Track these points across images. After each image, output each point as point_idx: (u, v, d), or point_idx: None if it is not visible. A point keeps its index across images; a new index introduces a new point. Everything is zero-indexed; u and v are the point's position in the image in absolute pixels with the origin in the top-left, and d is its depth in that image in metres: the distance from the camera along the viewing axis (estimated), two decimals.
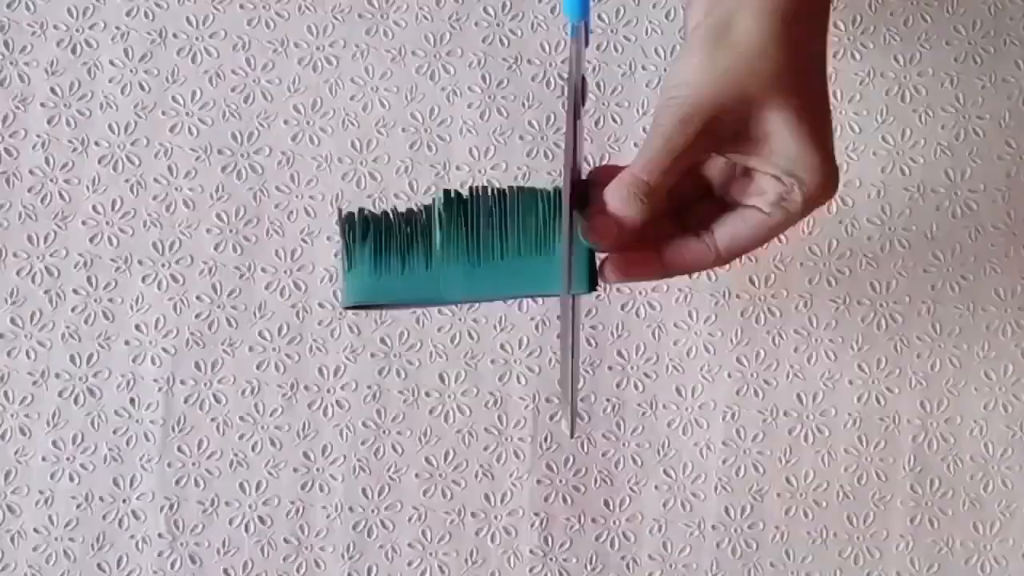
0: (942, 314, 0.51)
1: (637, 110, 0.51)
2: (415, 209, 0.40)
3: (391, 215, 0.41)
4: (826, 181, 0.38)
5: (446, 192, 0.40)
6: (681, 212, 0.41)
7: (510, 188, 0.40)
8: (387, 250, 0.40)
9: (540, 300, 0.50)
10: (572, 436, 0.40)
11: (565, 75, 0.51)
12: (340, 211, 0.41)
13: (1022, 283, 0.51)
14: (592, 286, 0.39)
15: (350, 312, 0.50)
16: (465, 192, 0.40)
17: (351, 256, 0.41)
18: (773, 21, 0.37)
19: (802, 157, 0.38)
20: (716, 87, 0.37)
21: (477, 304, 0.50)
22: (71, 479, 0.49)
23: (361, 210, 0.41)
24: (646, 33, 0.52)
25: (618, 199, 0.39)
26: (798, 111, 0.38)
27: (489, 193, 0.40)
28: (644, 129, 0.51)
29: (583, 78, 0.42)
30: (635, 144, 0.51)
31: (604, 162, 0.51)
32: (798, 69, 0.38)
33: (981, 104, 0.52)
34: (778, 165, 0.38)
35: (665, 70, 0.51)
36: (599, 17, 0.52)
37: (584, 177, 0.41)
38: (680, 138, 0.37)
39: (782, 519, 0.50)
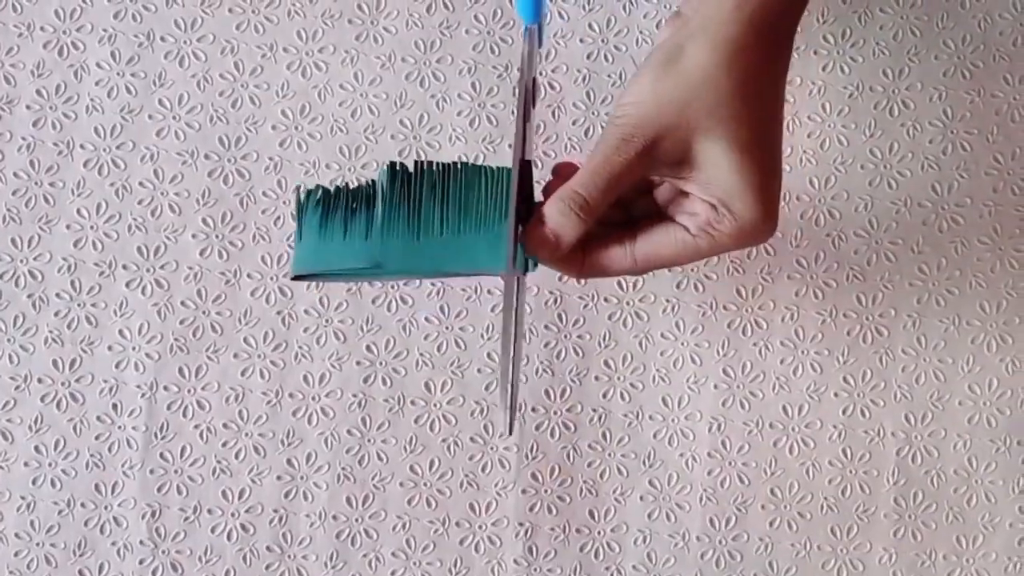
0: (927, 328, 0.51)
1: None
2: (366, 182, 0.41)
3: (340, 189, 0.41)
4: (759, 221, 0.39)
5: (391, 164, 0.40)
6: (622, 214, 0.43)
7: (454, 164, 0.41)
8: (331, 220, 0.40)
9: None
10: (510, 432, 0.41)
11: (556, 86, 0.51)
12: (297, 188, 0.42)
13: (1007, 298, 0.52)
14: (528, 266, 0.40)
15: (336, 320, 0.49)
16: (411, 166, 0.40)
17: (300, 228, 0.41)
18: (725, 50, 0.38)
19: (738, 191, 0.39)
20: (659, 110, 0.38)
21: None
22: (53, 485, 0.48)
23: (317, 186, 0.41)
24: (636, 43, 0.52)
25: (556, 213, 0.40)
26: (739, 143, 0.38)
27: (434, 168, 0.40)
28: None
29: (534, 80, 0.42)
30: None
31: None
32: (745, 100, 0.38)
33: (969, 119, 0.52)
34: (712, 193, 0.39)
35: None
36: (589, 26, 0.51)
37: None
38: (620, 157, 0.39)
39: (766, 531, 0.50)
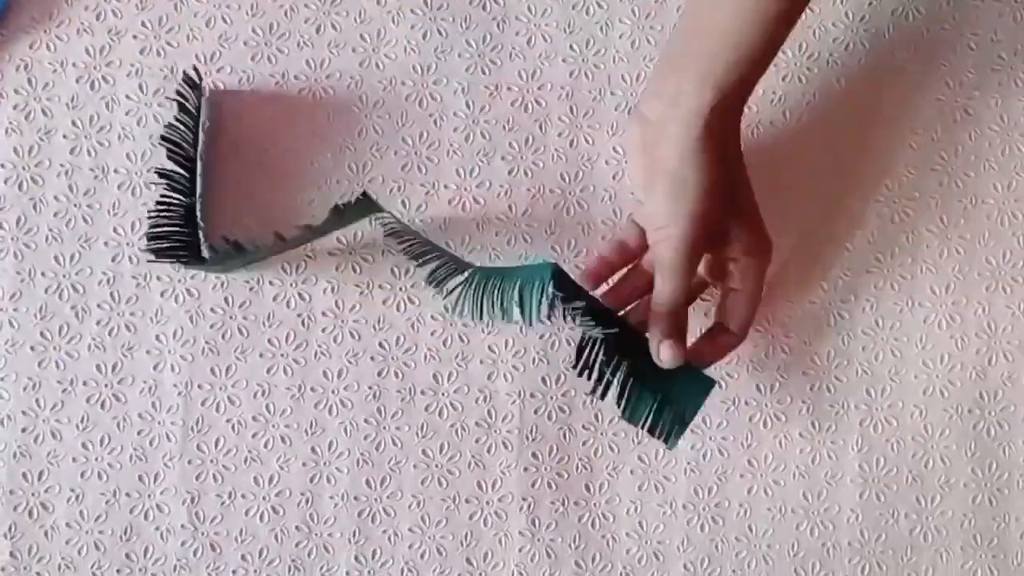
0: (884, 310, 0.57)
1: (607, 131, 0.57)
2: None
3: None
4: (770, 247, 0.51)
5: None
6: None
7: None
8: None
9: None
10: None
11: (542, 102, 0.56)
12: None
13: (955, 280, 0.57)
14: None
15: (351, 320, 0.55)
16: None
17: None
18: (714, 154, 0.47)
19: (765, 237, 0.51)
20: (695, 227, 0.48)
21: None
22: (99, 477, 0.53)
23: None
24: (613, 61, 0.57)
25: (666, 343, 0.49)
26: (751, 205, 0.50)
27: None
28: (614, 148, 0.56)
29: None
30: (606, 162, 0.56)
31: (577, 179, 0.56)
32: (739, 173, 0.50)
33: (915, 120, 0.57)
34: (752, 251, 0.50)
35: (633, 95, 0.57)
36: (570, 47, 0.57)
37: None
38: (683, 272, 0.48)
39: (744, 497, 0.56)
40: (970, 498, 0.56)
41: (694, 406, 0.51)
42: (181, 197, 0.52)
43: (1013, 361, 0.57)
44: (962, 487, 0.56)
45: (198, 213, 0.53)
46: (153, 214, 0.52)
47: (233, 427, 0.54)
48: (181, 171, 0.53)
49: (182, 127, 0.53)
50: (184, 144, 0.53)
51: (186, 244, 0.52)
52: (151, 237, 0.52)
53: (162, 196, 0.52)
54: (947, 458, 0.57)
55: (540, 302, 0.46)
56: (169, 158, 0.52)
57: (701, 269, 0.51)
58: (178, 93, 0.53)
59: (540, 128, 0.56)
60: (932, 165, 0.57)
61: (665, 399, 0.50)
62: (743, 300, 0.51)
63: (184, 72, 0.53)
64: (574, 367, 0.49)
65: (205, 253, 0.53)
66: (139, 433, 0.53)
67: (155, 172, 0.53)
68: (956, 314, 0.57)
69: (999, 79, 0.58)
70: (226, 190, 0.55)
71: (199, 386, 0.54)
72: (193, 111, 0.53)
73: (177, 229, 0.52)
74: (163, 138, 0.52)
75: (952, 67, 0.58)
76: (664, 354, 0.49)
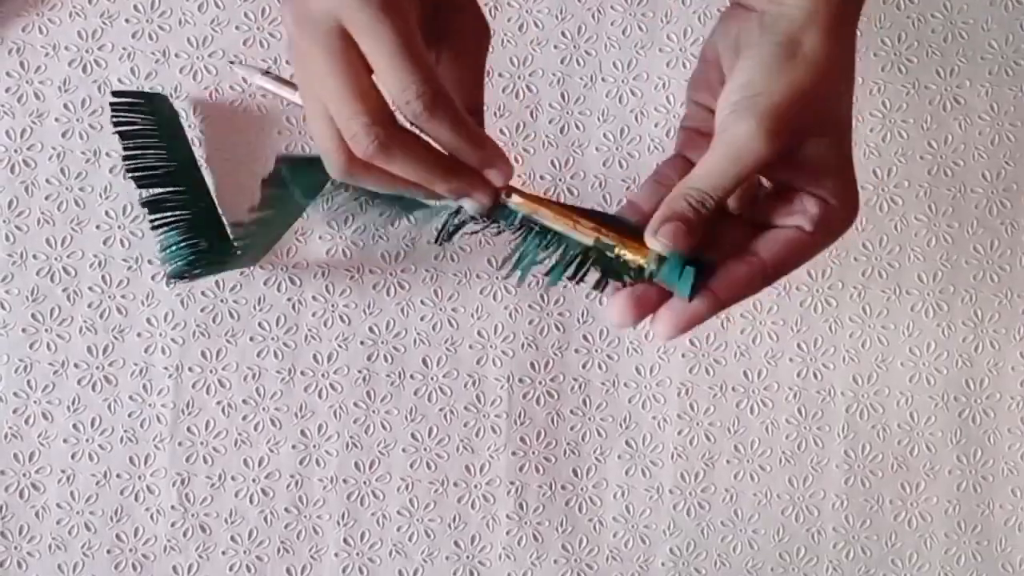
0: (871, 298, 0.57)
1: (598, 118, 0.57)
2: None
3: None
4: (856, 202, 0.39)
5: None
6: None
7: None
8: None
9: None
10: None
11: (533, 88, 0.57)
12: None
13: (942, 269, 0.57)
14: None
15: (341, 305, 0.55)
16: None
17: None
18: (839, 37, 0.37)
19: (844, 179, 0.38)
20: (791, 103, 0.36)
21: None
22: (90, 458, 0.54)
23: None
24: (605, 48, 0.57)
25: (683, 206, 0.37)
26: (844, 134, 0.38)
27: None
28: (605, 135, 0.57)
29: None
30: (596, 148, 0.57)
31: (567, 165, 0.56)
32: (845, 89, 0.38)
33: (905, 109, 0.58)
34: (826, 187, 0.38)
35: (624, 81, 0.57)
36: (562, 34, 0.57)
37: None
38: (756, 150, 0.36)
39: (731, 482, 0.56)
40: (955, 485, 0.57)
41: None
42: (178, 214, 0.53)
43: (999, 349, 0.57)
44: (947, 474, 0.57)
45: (219, 208, 0.54)
46: (164, 242, 0.53)
47: (223, 410, 0.54)
48: (163, 191, 0.53)
49: (140, 151, 0.53)
50: (156, 166, 0.53)
51: (205, 252, 0.52)
52: (177, 264, 0.52)
53: (155, 223, 0.53)
54: (932, 445, 0.57)
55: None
56: (141, 186, 0.53)
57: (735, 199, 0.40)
58: (122, 115, 0.53)
59: (531, 114, 0.57)
60: (921, 153, 0.58)
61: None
62: (796, 241, 0.38)
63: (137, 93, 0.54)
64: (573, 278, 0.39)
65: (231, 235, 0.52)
66: (130, 415, 0.54)
67: (141, 205, 0.53)
68: (943, 302, 0.57)
69: (989, 68, 0.58)
70: (224, 189, 0.55)
71: (190, 369, 0.54)
72: (168, 125, 0.54)
73: (189, 243, 0.52)
74: (127, 170, 0.53)
75: (943, 56, 0.58)
76: (665, 232, 0.37)
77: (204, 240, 0.53)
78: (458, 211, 0.40)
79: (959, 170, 0.58)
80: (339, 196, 0.44)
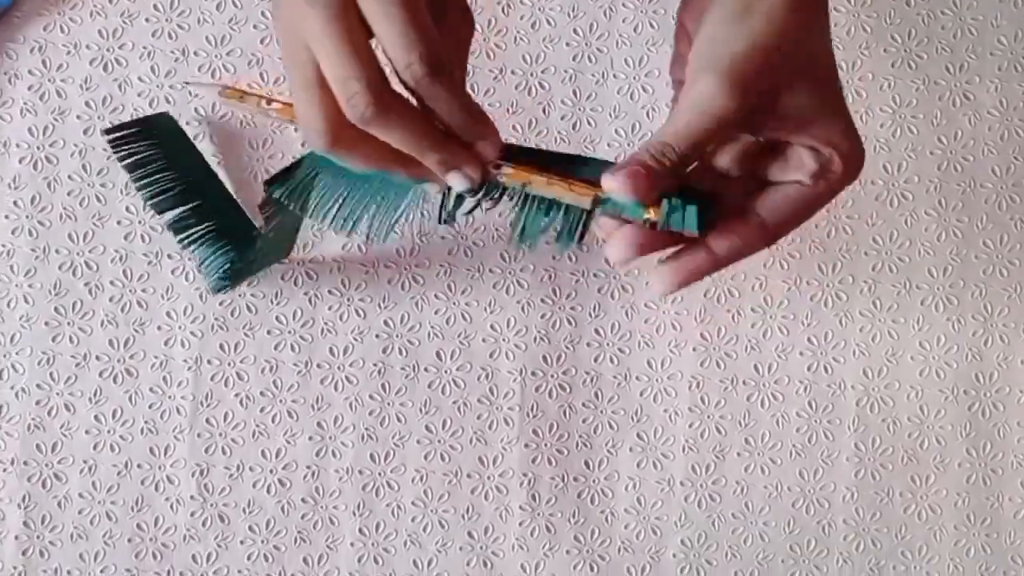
0: (881, 292, 0.58)
1: (610, 114, 0.57)
2: None
3: None
4: (859, 151, 0.38)
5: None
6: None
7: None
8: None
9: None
10: None
11: (545, 85, 0.57)
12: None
13: (952, 263, 0.58)
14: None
15: (356, 299, 0.56)
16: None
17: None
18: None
19: (835, 125, 0.38)
20: (752, 60, 0.36)
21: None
22: (112, 449, 0.55)
23: None
24: (616, 45, 0.58)
25: (648, 157, 0.37)
26: (821, 80, 0.38)
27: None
28: (616, 131, 0.57)
29: None
30: (608, 144, 0.57)
31: None
32: (811, 36, 0.38)
33: (915, 105, 0.58)
34: (816, 136, 0.37)
35: (635, 78, 0.57)
36: (574, 31, 0.58)
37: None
38: (720, 106, 0.36)
39: (742, 475, 0.57)
40: (964, 478, 0.57)
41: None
42: (203, 227, 0.53)
43: (1009, 343, 0.57)
44: (956, 467, 0.57)
45: (240, 204, 0.55)
46: (199, 258, 0.54)
47: (241, 401, 0.55)
48: (183, 210, 0.53)
49: (149, 177, 0.53)
50: (169, 188, 0.53)
51: (238, 258, 0.53)
52: (214, 277, 0.53)
53: (184, 240, 0.53)
54: (942, 438, 0.57)
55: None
56: (159, 211, 0.53)
57: (729, 159, 0.40)
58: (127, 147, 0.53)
59: (543, 111, 0.57)
60: (931, 149, 0.58)
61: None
62: (798, 196, 0.38)
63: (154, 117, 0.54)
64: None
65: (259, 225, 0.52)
66: (150, 407, 0.55)
67: (170, 231, 0.53)
68: (953, 296, 0.58)
69: (999, 64, 0.58)
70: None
71: (208, 361, 0.55)
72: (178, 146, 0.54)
73: (223, 252, 0.53)
74: (143, 199, 0.53)
75: (952, 52, 0.58)
76: (620, 175, 0.37)
77: (234, 245, 0.53)
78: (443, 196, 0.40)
79: (969, 165, 0.58)
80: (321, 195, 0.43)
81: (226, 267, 0.53)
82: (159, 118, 0.55)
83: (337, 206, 0.42)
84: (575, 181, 0.39)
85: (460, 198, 0.40)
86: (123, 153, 0.53)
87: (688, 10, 0.41)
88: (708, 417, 0.57)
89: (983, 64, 0.58)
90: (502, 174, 0.39)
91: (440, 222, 0.41)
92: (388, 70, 0.36)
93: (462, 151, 0.38)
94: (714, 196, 0.39)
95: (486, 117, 0.38)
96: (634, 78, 0.57)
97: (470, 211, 0.40)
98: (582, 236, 0.39)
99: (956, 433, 0.57)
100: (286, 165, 0.44)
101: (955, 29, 0.58)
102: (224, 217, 0.54)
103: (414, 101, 0.37)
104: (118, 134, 0.53)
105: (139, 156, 0.53)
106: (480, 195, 0.39)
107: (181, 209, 0.53)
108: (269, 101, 0.43)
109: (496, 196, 0.39)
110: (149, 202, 0.53)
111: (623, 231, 0.39)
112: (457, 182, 0.38)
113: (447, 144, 0.38)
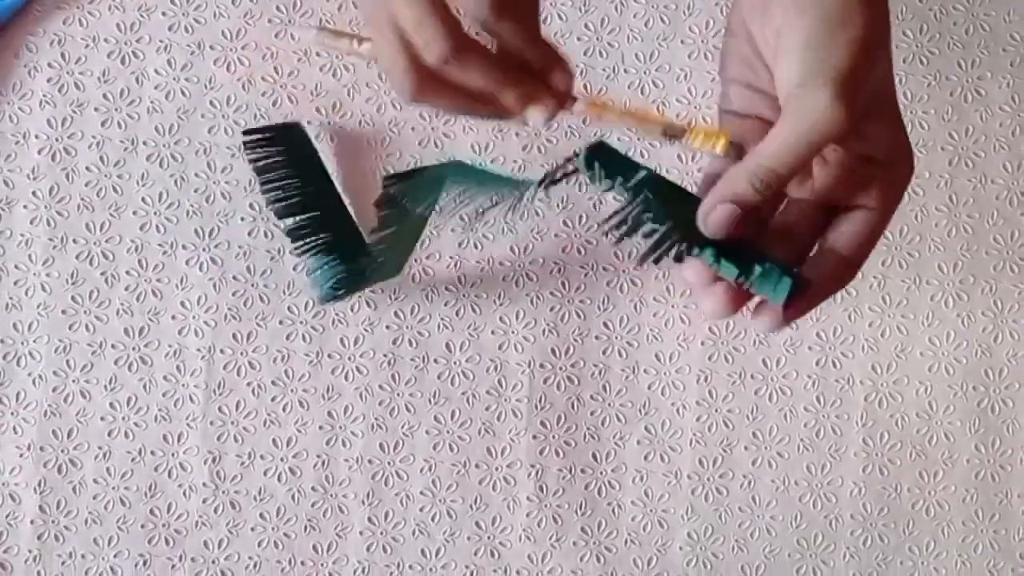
0: (891, 287, 0.58)
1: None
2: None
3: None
4: (910, 155, 0.39)
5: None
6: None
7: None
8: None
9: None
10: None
11: None
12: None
13: (962, 259, 0.58)
14: None
15: (367, 290, 0.56)
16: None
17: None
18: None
19: (893, 136, 0.38)
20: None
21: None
22: (126, 436, 0.56)
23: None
24: (627, 40, 0.58)
25: (744, 183, 0.35)
26: (889, 102, 0.38)
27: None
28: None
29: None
30: (618, 139, 0.57)
31: None
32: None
33: (926, 100, 0.58)
34: (880, 144, 0.37)
35: (646, 73, 0.58)
36: (585, 26, 0.58)
37: None
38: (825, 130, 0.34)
39: (749, 469, 0.57)
40: (973, 474, 0.57)
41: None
42: (318, 237, 0.54)
43: (1019, 339, 0.57)
44: (965, 463, 0.57)
45: (357, 223, 0.55)
46: (309, 267, 0.54)
47: (253, 391, 0.56)
48: (302, 218, 0.54)
49: (275, 183, 0.54)
50: (291, 196, 0.54)
51: (347, 272, 0.53)
52: (322, 288, 0.54)
53: (300, 248, 0.54)
54: (951, 434, 0.57)
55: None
56: (281, 216, 0.54)
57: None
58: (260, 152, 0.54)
59: None
60: (942, 144, 0.58)
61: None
62: (867, 220, 0.38)
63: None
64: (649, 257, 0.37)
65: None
66: (164, 395, 0.56)
67: (285, 235, 0.54)
68: (963, 292, 0.57)
69: (1011, 59, 0.58)
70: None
71: (221, 351, 0.56)
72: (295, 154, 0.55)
73: (332, 264, 0.53)
74: (267, 203, 0.54)
75: (964, 48, 0.58)
76: (718, 218, 0.35)
77: (344, 260, 0.53)
78: (555, 175, 0.40)
79: (980, 161, 0.58)
80: (447, 198, 0.44)
81: (337, 279, 0.53)
82: (291, 129, 0.55)
83: (444, 201, 0.43)
84: (647, 114, 0.39)
85: (566, 165, 0.40)
86: (255, 156, 0.54)
87: (746, 5, 0.39)
88: (716, 411, 0.57)
89: (995, 60, 0.58)
90: (576, 108, 0.40)
91: (540, 185, 0.40)
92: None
93: (537, 85, 0.39)
94: (807, 279, 0.38)
95: (554, 49, 0.39)
96: (644, 72, 0.58)
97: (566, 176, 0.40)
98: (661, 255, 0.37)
99: (965, 429, 0.57)
100: (406, 170, 0.46)
101: (967, 25, 0.58)
102: (338, 230, 0.54)
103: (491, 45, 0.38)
104: (253, 137, 0.54)
105: (269, 161, 0.54)
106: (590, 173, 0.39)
107: (300, 218, 0.54)
108: (360, 40, 0.44)
109: (598, 179, 0.39)
110: (270, 206, 0.54)
111: (715, 289, 0.37)
112: (535, 115, 0.39)
113: (522, 79, 0.38)
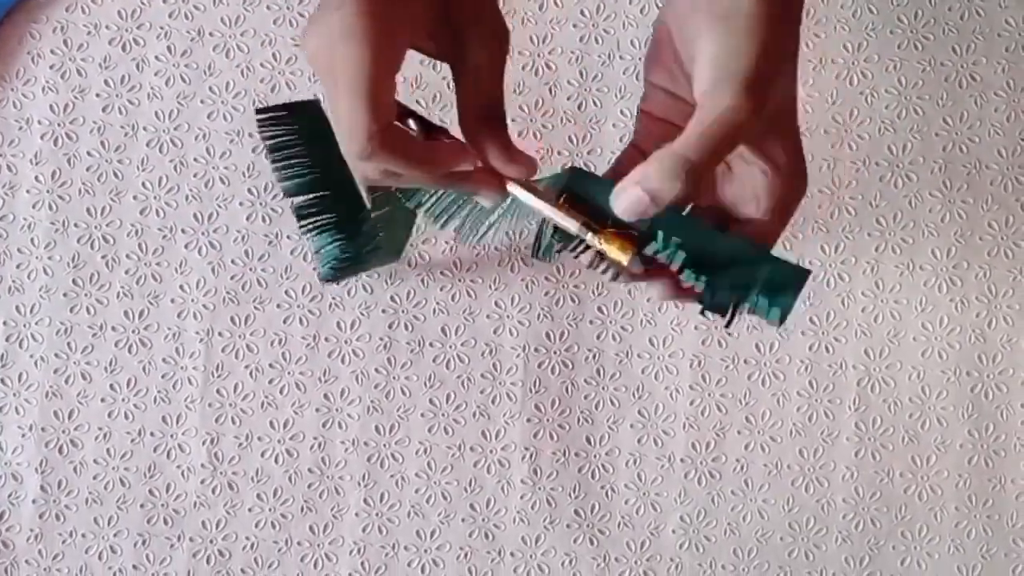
0: (884, 273, 0.58)
1: (615, 95, 0.58)
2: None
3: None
4: (805, 171, 0.42)
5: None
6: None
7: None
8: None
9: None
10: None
11: (552, 65, 0.58)
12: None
13: (956, 245, 0.58)
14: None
15: (363, 274, 0.57)
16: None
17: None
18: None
19: (791, 151, 0.41)
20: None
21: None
22: (125, 417, 0.56)
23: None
24: (623, 26, 0.58)
25: (656, 174, 0.36)
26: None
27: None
28: (622, 111, 0.58)
29: None
30: (613, 124, 0.58)
31: (585, 141, 0.58)
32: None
33: (921, 86, 0.58)
34: (777, 163, 0.41)
35: (641, 59, 0.58)
36: (581, 12, 0.58)
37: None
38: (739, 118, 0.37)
39: (742, 453, 0.57)
40: (966, 459, 0.57)
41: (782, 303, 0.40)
42: (325, 217, 0.54)
43: (1013, 325, 0.57)
44: (958, 448, 0.57)
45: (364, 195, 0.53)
46: (315, 245, 0.55)
47: (251, 373, 0.57)
48: (310, 197, 0.53)
49: (285, 161, 0.53)
50: (301, 175, 0.53)
51: (350, 252, 0.53)
52: (325, 267, 0.54)
53: (307, 227, 0.53)
54: (944, 419, 0.57)
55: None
56: (289, 194, 0.53)
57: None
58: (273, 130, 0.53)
59: (550, 91, 0.58)
60: (937, 130, 0.58)
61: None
62: (757, 230, 0.41)
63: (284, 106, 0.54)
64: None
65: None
66: (163, 377, 0.57)
67: (294, 215, 0.53)
68: (957, 278, 0.58)
69: (1006, 45, 0.58)
70: None
71: (220, 334, 0.57)
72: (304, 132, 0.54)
73: (338, 244, 0.54)
74: (277, 180, 0.53)
75: (959, 33, 0.58)
76: (628, 202, 0.37)
77: (349, 240, 0.53)
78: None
79: (974, 147, 0.58)
80: (430, 195, 0.45)
81: (340, 258, 0.54)
82: (308, 105, 0.54)
83: (433, 200, 0.44)
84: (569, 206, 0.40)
85: (555, 233, 0.41)
86: (268, 134, 0.53)
87: (670, 16, 0.41)
88: (709, 395, 0.57)
89: (990, 45, 0.58)
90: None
91: (534, 256, 0.44)
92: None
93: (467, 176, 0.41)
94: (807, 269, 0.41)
95: (451, 146, 0.42)
96: (639, 59, 0.58)
97: (560, 251, 0.42)
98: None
99: (958, 414, 0.57)
100: None
101: (962, 10, 0.58)
102: (347, 210, 0.54)
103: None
104: (267, 115, 0.53)
105: (281, 139, 0.53)
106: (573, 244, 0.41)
107: (308, 197, 0.53)
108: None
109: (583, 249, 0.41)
110: (280, 184, 0.53)
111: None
112: (485, 201, 0.41)
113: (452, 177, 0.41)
